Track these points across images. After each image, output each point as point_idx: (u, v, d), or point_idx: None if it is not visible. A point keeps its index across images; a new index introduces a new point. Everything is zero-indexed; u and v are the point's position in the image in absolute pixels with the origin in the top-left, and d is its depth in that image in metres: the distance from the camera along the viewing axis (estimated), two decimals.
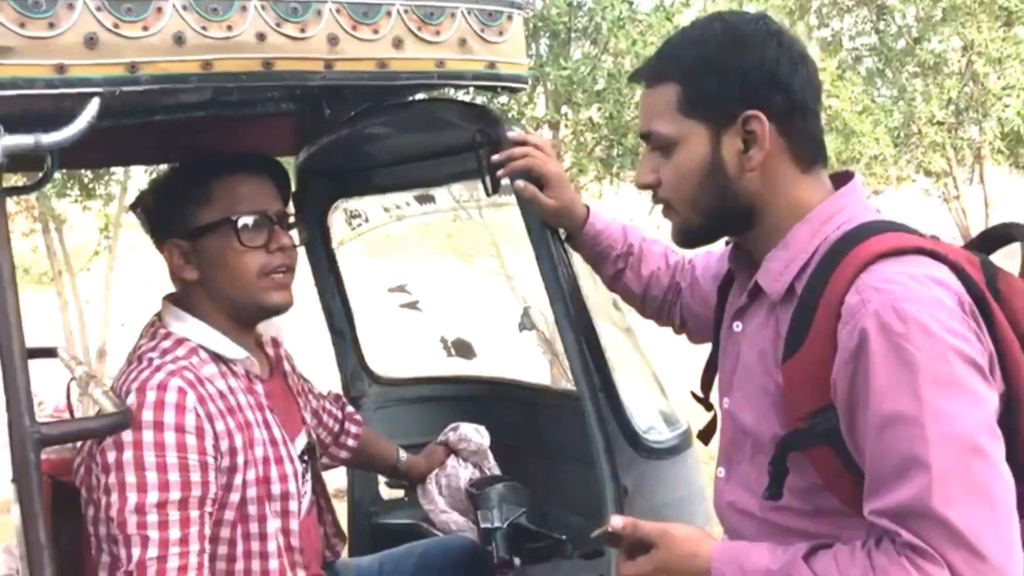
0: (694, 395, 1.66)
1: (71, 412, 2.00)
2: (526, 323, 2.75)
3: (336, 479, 2.86)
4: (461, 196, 2.73)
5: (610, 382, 1.82)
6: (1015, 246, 1.40)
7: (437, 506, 2.38)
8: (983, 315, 1.22)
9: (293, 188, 2.71)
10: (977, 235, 1.47)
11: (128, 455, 1.57)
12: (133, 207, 1.96)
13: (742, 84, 1.30)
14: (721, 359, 1.50)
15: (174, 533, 1.58)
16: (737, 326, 1.43)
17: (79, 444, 1.73)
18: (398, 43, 1.63)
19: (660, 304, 1.86)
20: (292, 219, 1.89)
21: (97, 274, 8.87)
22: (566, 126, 7.40)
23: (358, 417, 2.39)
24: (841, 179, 1.38)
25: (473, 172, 2.04)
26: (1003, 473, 1.17)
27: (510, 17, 1.75)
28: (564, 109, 7.25)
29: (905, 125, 9.18)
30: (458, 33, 1.69)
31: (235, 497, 1.69)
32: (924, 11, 9.08)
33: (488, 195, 1.94)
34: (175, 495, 1.59)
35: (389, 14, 1.62)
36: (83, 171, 7.11)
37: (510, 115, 7.20)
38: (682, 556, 1.31)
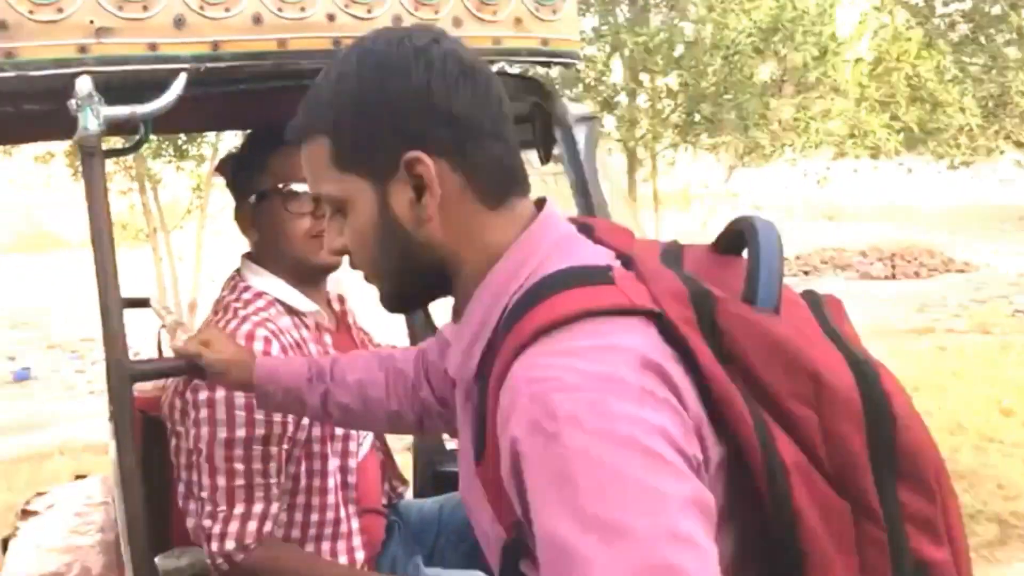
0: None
1: (161, 356, 2.20)
2: None
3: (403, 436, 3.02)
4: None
5: None
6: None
7: None
8: (688, 366, 0.99)
9: None
10: (717, 237, 1.17)
11: (220, 394, 1.75)
12: (218, 168, 2.15)
13: (391, 123, 1.07)
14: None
15: (256, 465, 1.76)
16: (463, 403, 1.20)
17: (166, 384, 1.94)
18: (457, 22, 1.76)
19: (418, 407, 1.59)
20: None
21: (189, 232, 9.27)
22: (643, 93, 7.43)
23: None
24: (540, 206, 1.14)
25: (528, 143, 2.16)
26: (708, 559, 0.89)
27: None
28: (641, 76, 7.28)
29: (996, 95, 8.93)
30: (514, 12, 1.81)
31: (302, 436, 1.86)
32: None
33: (542, 164, 2.06)
34: (260, 431, 1.76)
35: None
36: (158, 135, 7.42)
37: (586, 82, 7.25)
38: None
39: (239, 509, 1.75)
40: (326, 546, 1.90)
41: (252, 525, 1.75)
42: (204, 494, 1.76)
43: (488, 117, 1.09)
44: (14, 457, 7.34)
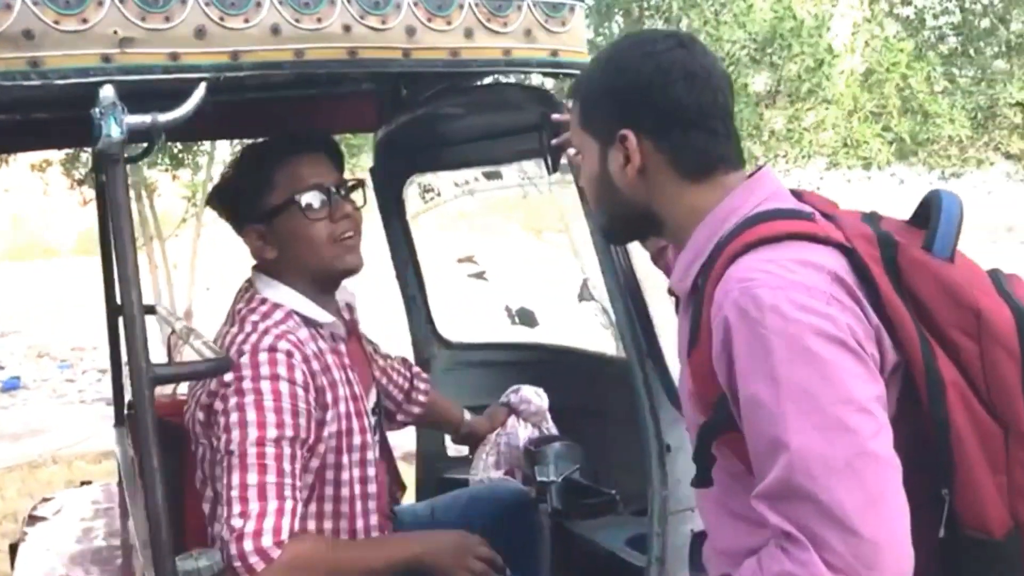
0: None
1: (171, 359, 2.23)
2: (585, 294, 2.90)
3: (404, 443, 3.05)
4: (531, 173, 2.88)
5: (656, 347, 1.96)
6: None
7: (479, 474, 2.53)
8: (868, 291, 1.23)
9: (372, 163, 2.91)
10: (914, 211, 1.42)
11: (250, 398, 1.78)
12: (209, 202, 2.14)
13: (615, 104, 1.40)
14: None
15: (286, 465, 1.78)
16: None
17: (186, 392, 1.95)
18: (469, 33, 1.79)
19: None
20: (352, 183, 2.05)
21: (184, 240, 9.27)
22: None
23: (425, 376, 2.57)
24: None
25: (535, 151, 2.19)
26: (876, 449, 1.15)
27: (572, 9, 1.89)
28: None
29: (985, 107, 9.01)
30: (524, 24, 1.85)
31: (321, 447, 1.88)
32: None
33: (549, 173, 2.10)
34: (289, 433, 1.79)
35: (461, 7, 1.78)
36: (172, 142, 7.43)
37: None
38: None
39: (273, 505, 1.74)
40: None
41: (286, 520, 1.75)
42: (235, 493, 1.75)
43: (697, 111, 1.37)
44: (6, 466, 7.32)
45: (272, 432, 1.77)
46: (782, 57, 7.19)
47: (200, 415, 1.86)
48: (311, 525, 1.91)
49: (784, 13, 7.04)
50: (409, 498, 2.57)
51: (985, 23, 9.62)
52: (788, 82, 7.45)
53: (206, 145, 8.18)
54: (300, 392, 1.82)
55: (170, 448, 1.96)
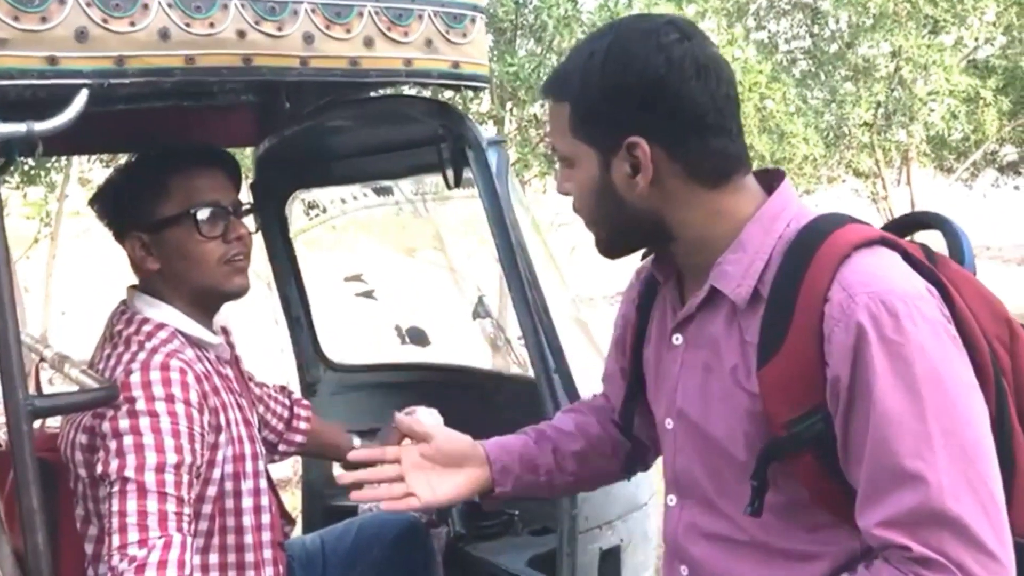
0: (615, 424, 1.58)
1: (39, 390, 2.06)
2: (480, 311, 2.86)
3: (279, 470, 2.93)
4: (412, 189, 2.82)
5: (564, 364, 1.94)
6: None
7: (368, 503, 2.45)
8: (945, 300, 1.20)
9: (251, 179, 2.79)
10: (890, 222, 1.44)
11: (146, 421, 1.65)
12: (91, 203, 2.01)
13: (622, 108, 1.22)
14: (656, 378, 1.42)
15: (184, 493, 1.67)
16: (677, 339, 1.36)
17: (56, 425, 1.80)
18: (369, 43, 1.73)
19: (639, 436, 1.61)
20: (245, 207, 1.96)
21: (36, 263, 8.75)
22: (511, 122, 7.52)
23: (306, 403, 2.46)
24: (767, 177, 1.31)
25: (431, 166, 2.14)
26: (997, 465, 1.15)
27: (473, 20, 1.86)
28: (509, 105, 7.37)
29: (836, 127, 9.49)
30: (425, 34, 1.80)
31: (217, 473, 1.77)
32: (856, 17, 9.38)
33: (449, 188, 2.05)
34: (188, 459, 1.68)
35: (361, 15, 1.72)
36: (23, 159, 7.00)
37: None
38: None
39: (177, 538, 1.64)
40: None
41: (188, 553, 1.64)
42: (132, 520, 1.62)
43: (714, 112, 1.22)
44: None
45: (172, 458, 1.66)
46: None
47: (83, 438, 1.73)
48: (212, 559, 1.80)
49: None
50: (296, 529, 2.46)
51: (834, 48, 10.16)
52: None
53: (61, 161, 7.77)
54: (195, 414, 1.71)
55: (46, 484, 1.81)
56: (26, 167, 7.25)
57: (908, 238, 1.38)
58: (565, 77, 1.29)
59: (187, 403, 1.70)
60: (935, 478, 1.11)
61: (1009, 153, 11.90)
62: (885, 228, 1.39)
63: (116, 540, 1.63)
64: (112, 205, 1.92)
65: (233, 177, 1.95)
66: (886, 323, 1.13)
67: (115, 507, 1.65)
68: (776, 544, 1.26)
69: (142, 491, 1.64)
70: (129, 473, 1.64)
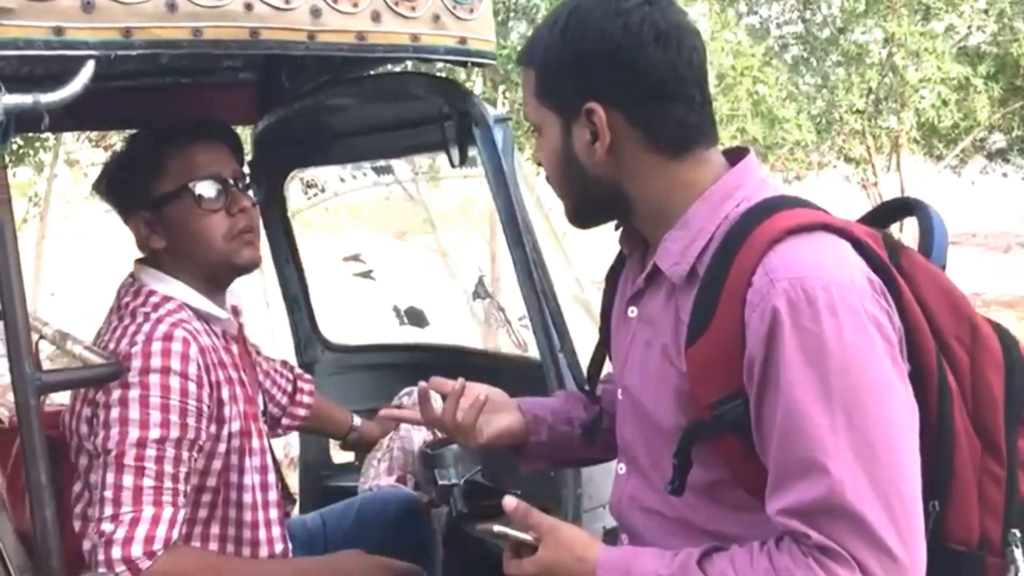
0: (581, 389, 1.61)
1: (39, 367, 2.03)
2: (480, 292, 2.85)
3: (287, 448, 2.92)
4: (412, 169, 2.81)
5: (570, 343, 1.93)
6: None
7: (368, 482, 2.45)
8: (891, 292, 1.17)
9: (249, 157, 2.77)
10: (872, 208, 1.41)
11: (135, 393, 1.65)
12: (96, 187, 2.00)
13: (581, 74, 1.23)
14: (614, 348, 1.44)
15: (168, 468, 1.66)
16: (632, 311, 1.36)
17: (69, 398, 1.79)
18: (376, 17, 1.71)
19: None
20: (248, 179, 1.94)
21: (26, 243, 8.67)
22: (504, 104, 7.50)
23: (308, 377, 2.46)
24: (735, 155, 1.30)
25: (434, 144, 2.12)
26: (915, 473, 1.12)
27: None
28: (502, 87, 7.35)
29: (827, 112, 9.49)
30: (432, 9, 1.78)
31: (222, 448, 1.77)
32: (848, 2, 9.37)
33: (453, 166, 2.03)
34: (174, 434, 1.67)
35: None
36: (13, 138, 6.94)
37: None
38: (568, 560, 1.25)
39: (148, 512, 1.63)
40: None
41: (161, 529, 1.63)
42: (108, 494, 1.63)
43: (673, 80, 1.22)
44: None
45: (155, 432, 1.65)
46: None
47: (87, 411, 1.72)
48: (214, 530, 1.80)
49: None
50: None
51: (826, 33, 10.14)
52: None
53: (50, 140, 7.70)
54: (192, 388, 1.70)
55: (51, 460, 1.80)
56: (15, 146, 7.19)
57: (897, 224, 1.37)
58: (532, 44, 1.31)
59: (184, 376, 1.69)
60: (838, 472, 1.08)
61: (998, 140, 11.94)
62: (872, 214, 1.38)
63: (95, 512, 1.65)
64: (113, 186, 1.92)
65: (233, 149, 1.93)
66: (803, 311, 1.10)
67: (95, 479, 1.66)
68: (703, 525, 1.26)
69: (119, 465, 1.64)
70: (111, 446, 1.65)
